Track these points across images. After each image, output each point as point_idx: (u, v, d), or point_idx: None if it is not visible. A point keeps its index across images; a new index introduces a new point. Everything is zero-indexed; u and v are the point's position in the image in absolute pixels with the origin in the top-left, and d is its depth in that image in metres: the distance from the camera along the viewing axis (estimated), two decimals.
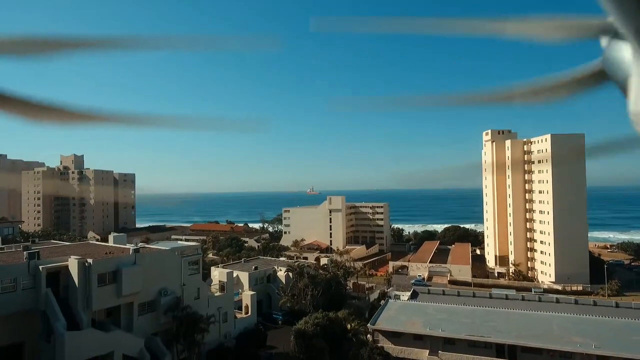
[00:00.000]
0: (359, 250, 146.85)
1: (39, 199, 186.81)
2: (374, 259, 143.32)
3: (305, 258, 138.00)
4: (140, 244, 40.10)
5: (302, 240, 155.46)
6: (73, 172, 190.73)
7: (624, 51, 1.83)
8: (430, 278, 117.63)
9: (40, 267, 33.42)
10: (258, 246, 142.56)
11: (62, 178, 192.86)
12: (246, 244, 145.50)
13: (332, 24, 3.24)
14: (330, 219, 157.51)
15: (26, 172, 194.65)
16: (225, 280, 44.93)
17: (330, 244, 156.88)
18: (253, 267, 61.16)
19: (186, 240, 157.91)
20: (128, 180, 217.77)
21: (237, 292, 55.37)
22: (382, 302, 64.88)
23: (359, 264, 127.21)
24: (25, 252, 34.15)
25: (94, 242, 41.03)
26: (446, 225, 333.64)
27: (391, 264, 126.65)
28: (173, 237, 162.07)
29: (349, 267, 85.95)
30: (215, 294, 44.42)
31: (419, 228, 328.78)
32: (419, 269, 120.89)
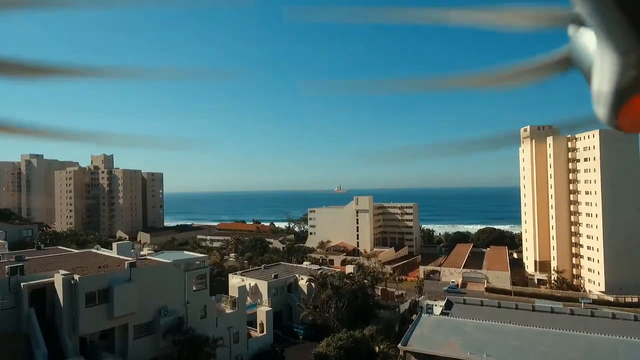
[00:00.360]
0: (388, 252, 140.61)
1: (70, 198, 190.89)
2: (404, 262, 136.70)
3: (331, 261, 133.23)
4: (142, 253, 36.22)
5: (328, 241, 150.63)
6: (102, 172, 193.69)
7: (589, 40, 1.91)
8: (464, 284, 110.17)
9: (23, 284, 29.22)
10: (283, 247, 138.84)
11: (93, 177, 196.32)
12: (271, 245, 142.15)
13: (308, 14, 3.19)
14: (357, 219, 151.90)
15: (59, 172, 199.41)
16: (237, 296, 40.48)
17: (357, 246, 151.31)
18: (273, 275, 56.81)
19: (211, 240, 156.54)
20: (156, 179, 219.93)
21: (255, 304, 51.19)
22: (414, 315, 59.22)
23: (387, 268, 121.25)
24: (6, 267, 29.88)
25: (97, 251, 37.61)
26: (479, 227, 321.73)
27: (422, 268, 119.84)
28: (199, 236, 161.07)
29: (377, 273, 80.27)
30: (227, 311, 39.90)
31: (449, 229, 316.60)
32: (452, 274, 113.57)
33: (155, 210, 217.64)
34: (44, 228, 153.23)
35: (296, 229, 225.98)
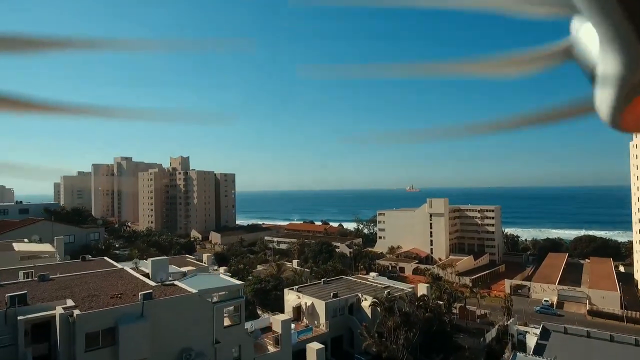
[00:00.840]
0: (466, 261, 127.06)
1: (151, 198, 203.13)
2: (485, 272, 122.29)
3: (402, 269, 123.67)
4: (171, 278, 31.55)
5: (399, 247, 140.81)
6: (179, 173, 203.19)
7: (592, 37, 1.88)
8: (560, 304, 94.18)
9: (20, 317, 24.66)
10: (350, 252, 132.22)
11: (171, 179, 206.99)
12: (337, 249, 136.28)
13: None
14: (431, 224, 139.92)
15: (141, 174, 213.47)
16: (281, 332, 34.54)
17: (431, 253, 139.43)
18: (332, 294, 50.32)
19: (278, 242, 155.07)
20: (229, 180, 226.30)
21: (310, 328, 45.17)
22: (506, 352, 49.06)
23: (465, 280, 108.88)
24: (6, 296, 25.61)
25: (131, 270, 33.63)
26: (572, 232, 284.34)
27: (507, 282, 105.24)
28: (266, 238, 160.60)
29: (455, 292, 69.99)
30: (269, 349, 34.03)
31: (536, 234, 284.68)
32: (544, 290, 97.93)
33: (228, 209, 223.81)
34: (124, 227, 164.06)
35: (365, 230, 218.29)
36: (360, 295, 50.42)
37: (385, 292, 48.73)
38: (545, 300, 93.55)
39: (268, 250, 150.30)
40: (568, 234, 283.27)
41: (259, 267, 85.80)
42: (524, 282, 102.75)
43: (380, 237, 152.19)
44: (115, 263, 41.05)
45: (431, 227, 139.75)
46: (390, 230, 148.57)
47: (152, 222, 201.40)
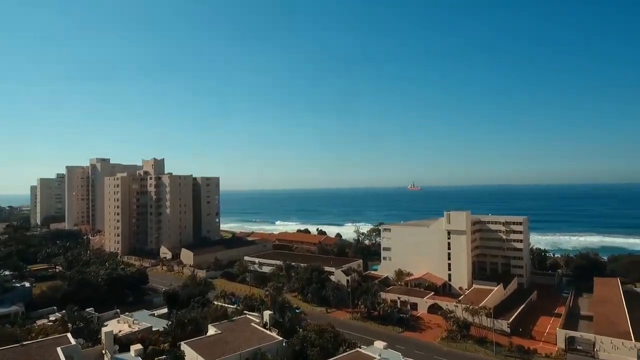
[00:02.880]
0: (496, 292, 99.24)
1: (118, 207, 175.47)
2: (521, 308, 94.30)
3: (414, 305, 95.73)
4: None
5: (409, 273, 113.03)
6: (151, 178, 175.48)
7: None
8: None
9: None
10: (348, 281, 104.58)
11: (142, 184, 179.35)
12: (332, 276, 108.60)
13: None
14: (449, 243, 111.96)
15: (107, 179, 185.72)
16: None
17: (449, 279, 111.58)
18: None
19: (260, 265, 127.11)
20: (212, 184, 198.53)
21: None
22: None
23: (502, 324, 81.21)
24: None
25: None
26: (596, 237, 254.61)
27: (560, 332, 77.09)
28: (247, 259, 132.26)
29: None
30: None
31: (556, 240, 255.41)
32: (617, 348, 70.02)
33: (210, 218, 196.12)
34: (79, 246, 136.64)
35: (367, 242, 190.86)
36: None
37: None
38: None
39: (249, 272, 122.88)
40: (591, 239, 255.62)
41: (212, 330, 58.49)
42: (586, 336, 74.68)
43: (385, 258, 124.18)
44: None
45: (449, 248, 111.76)
46: (398, 250, 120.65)
47: (118, 236, 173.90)
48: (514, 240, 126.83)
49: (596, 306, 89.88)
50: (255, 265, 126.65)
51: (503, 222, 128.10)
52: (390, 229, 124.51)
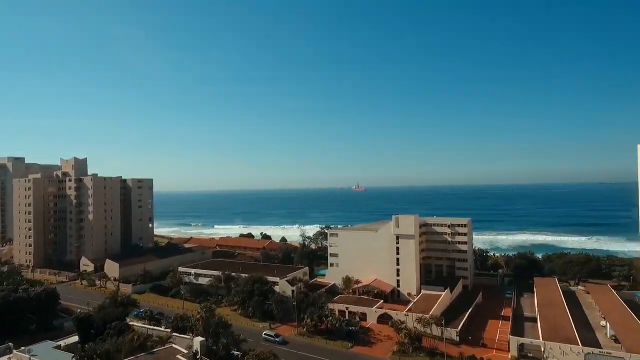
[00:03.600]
0: (444, 297, 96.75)
1: (29, 213, 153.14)
2: (468, 311, 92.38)
3: (363, 315, 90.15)
4: None
5: (357, 280, 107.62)
6: (70, 180, 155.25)
7: None
8: None
9: None
10: (293, 292, 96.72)
11: (60, 187, 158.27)
12: (276, 287, 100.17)
13: None
14: (398, 248, 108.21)
15: (17, 181, 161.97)
16: None
17: (398, 285, 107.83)
18: None
19: (196, 276, 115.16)
20: (144, 186, 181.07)
21: None
22: None
23: (451, 333, 77.86)
24: None
25: None
26: (528, 236, 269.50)
27: (513, 340, 74.96)
28: (181, 269, 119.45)
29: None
30: None
31: (492, 239, 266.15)
32: (565, 354, 68.93)
33: (143, 224, 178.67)
34: None
35: (312, 246, 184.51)
36: None
37: None
38: None
39: (183, 285, 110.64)
40: (526, 239, 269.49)
41: None
42: (534, 341, 73.16)
43: (332, 264, 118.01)
44: None
45: (398, 252, 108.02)
46: (345, 256, 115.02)
47: (30, 246, 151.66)
48: (459, 242, 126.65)
49: (541, 309, 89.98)
50: (191, 277, 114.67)
51: (448, 225, 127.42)
52: (337, 234, 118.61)
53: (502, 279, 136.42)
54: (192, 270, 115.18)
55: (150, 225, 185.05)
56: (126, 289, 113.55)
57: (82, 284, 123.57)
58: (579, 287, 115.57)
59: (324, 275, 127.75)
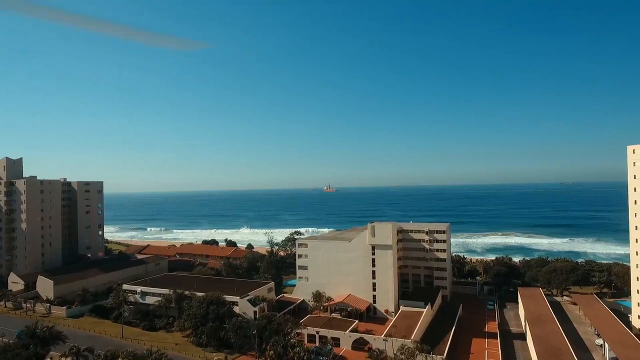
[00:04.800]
0: (425, 315, 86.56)
1: None
2: (452, 332, 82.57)
3: (335, 341, 78.26)
4: None
5: (329, 298, 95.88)
6: (0, 184, 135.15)
7: None
8: None
9: None
10: (255, 313, 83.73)
11: None
12: (236, 308, 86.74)
13: None
14: (374, 260, 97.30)
15: None
16: None
17: (374, 301, 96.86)
18: None
19: (142, 294, 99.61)
20: (92, 190, 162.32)
21: None
22: None
23: None
24: None
25: None
26: (509, 241, 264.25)
27: None
28: (126, 287, 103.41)
29: None
30: None
31: (469, 243, 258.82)
32: None
33: (91, 231, 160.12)
34: None
35: (282, 252, 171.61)
36: None
37: None
38: None
39: (127, 306, 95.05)
40: (498, 242, 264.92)
41: None
42: None
43: (300, 278, 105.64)
44: None
45: (374, 265, 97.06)
46: (316, 268, 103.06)
47: None
48: (437, 250, 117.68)
49: (531, 326, 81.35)
50: (137, 296, 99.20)
51: (426, 231, 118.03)
52: (306, 244, 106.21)
53: (482, 288, 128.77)
54: (139, 288, 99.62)
55: (100, 232, 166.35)
56: (59, 312, 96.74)
57: (5, 306, 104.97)
58: (565, 297, 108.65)
59: (293, 285, 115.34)
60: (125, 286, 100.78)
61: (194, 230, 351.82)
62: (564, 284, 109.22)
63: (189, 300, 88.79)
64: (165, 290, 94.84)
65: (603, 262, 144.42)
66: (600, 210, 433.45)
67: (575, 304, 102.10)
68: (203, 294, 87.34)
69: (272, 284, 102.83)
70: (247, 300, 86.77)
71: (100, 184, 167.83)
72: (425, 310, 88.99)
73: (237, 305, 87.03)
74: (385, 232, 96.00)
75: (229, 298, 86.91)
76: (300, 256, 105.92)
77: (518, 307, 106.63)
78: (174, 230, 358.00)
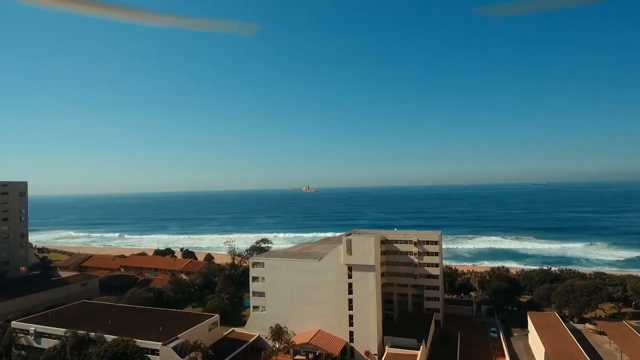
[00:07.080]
0: (421, 358, 63.71)
1: None
2: None
3: None
4: None
5: (292, 334, 71.84)
6: None
7: None
8: None
9: None
10: None
11: None
12: (154, 359, 61.62)
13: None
14: (351, 284, 73.62)
15: None
16: None
17: (351, 340, 73.19)
18: None
19: (36, 335, 73.07)
20: (12, 193, 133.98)
21: None
22: None
23: None
24: None
25: None
26: (494, 246, 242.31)
27: None
28: (16, 324, 76.54)
29: None
30: None
31: (454, 248, 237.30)
32: None
33: (11, 242, 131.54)
34: None
35: (245, 264, 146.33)
36: None
37: None
38: None
39: (19, 350, 68.87)
40: (484, 247, 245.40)
41: None
42: None
43: (255, 307, 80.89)
44: None
45: (351, 291, 73.34)
46: (275, 295, 78.74)
47: None
48: (428, 265, 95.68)
49: None
50: (30, 337, 72.62)
51: (415, 241, 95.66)
52: (262, 263, 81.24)
53: (479, 307, 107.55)
54: (32, 327, 72.88)
55: (23, 242, 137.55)
56: None
57: None
58: (587, 324, 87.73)
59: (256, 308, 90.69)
60: (14, 323, 73.92)
61: (160, 236, 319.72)
62: (587, 308, 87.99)
63: (96, 344, 63.28)
64: (62, 331, 68.52)
65: (614, 273, 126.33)
66: (584, 212, 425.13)
67: (602, 333, 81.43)
68: (114, 337, 61.90)
69: (216, 317, 77.52)
70: (173, 347, 61.53)
71: (24, 185, 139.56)
72: (419, 352, 66.31)
73: (158, 355, 61.87)
74: (366, 247, 72.43)
75: (146, 344, 61.65)
76: (255, 279, 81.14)
77: (528, 336, 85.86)
78: (135, 236, 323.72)
